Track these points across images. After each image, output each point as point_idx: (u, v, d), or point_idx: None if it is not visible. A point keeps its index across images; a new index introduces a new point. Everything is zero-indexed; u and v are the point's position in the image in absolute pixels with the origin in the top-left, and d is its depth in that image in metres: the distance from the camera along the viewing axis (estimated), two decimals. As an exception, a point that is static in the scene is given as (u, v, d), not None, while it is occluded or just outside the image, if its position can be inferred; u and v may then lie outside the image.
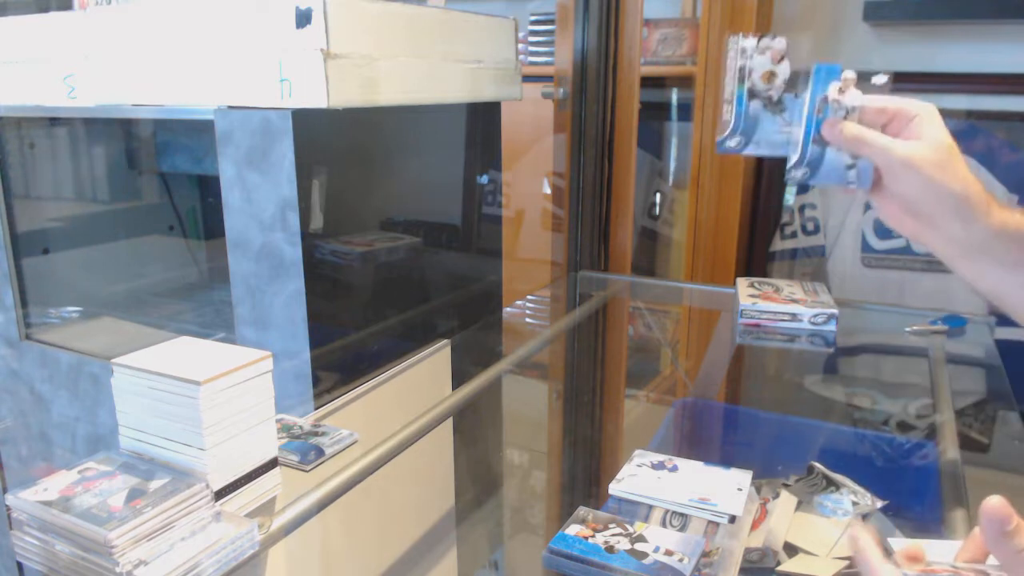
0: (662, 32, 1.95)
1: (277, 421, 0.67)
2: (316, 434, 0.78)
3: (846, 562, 0.73)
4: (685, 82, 1.96)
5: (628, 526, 0.71)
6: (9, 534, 0.59)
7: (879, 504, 0.79)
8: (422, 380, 1.07)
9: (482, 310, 1.24)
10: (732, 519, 0.73)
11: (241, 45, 0.83)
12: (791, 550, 0.77)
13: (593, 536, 0.69)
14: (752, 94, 0.69)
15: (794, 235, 1.96)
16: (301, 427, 0.80)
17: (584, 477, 1.28)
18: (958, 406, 0.98)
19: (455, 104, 1.10)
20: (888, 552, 0.50)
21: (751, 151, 0.71)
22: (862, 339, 1.36)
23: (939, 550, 0.52)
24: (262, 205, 0.87)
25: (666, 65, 1.96)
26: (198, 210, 1.50)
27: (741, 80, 0.69)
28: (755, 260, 2.00)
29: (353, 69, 0.83)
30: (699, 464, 0.82)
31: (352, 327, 0.97)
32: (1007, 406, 1.10)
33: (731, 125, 0.70)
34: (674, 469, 0.81)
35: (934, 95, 1.80)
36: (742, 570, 0.69)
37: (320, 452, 0.74)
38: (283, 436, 0.77)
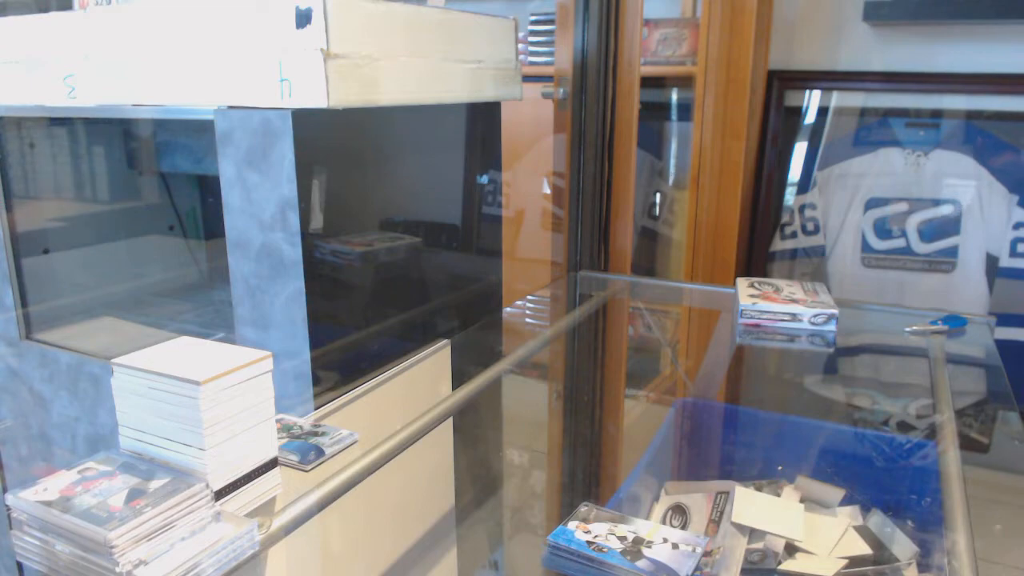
0: (662, 32, 1.95)
1: (277, 421, 0.67)
2: (316, 434, 0.78)
3: (846, 561, 0.73)
4: (685, 82, 1.96)
5: (629, 524, 0.71)
6: (9, 534, 0.59)
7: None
8: (422, 380, 1.07)
9: (482, 310, 1.24)
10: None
11: (241, 45, 0.83)
12: (791, 550, 0.77)
13: (593, 533, 0.69)
14: None
15: (794, 235, 1.96)
16: (301, 427, 0.80)
17: (584, 477, 1.28)
18: (958, 406, 0.98)
19: (455, 104, 1.10)
20: None
21: None
22: (862, 339, 1.36)
23: None
24: (262, 205, 0.87)
25: (666, 65, 1.96)
26: (198, 210, 1.50)
27: None
28: (755, 260, 2.00)
29: (353, 69, 0.83)
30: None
31: (352, 327, 0.97)
32: (1007, 406, 1.10)
33: None
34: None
35: (934, 95, 1.81)
36: (743, 570, 0.69)
37: (320, 452, 0.74)
38: (283, 436, 0.77)
